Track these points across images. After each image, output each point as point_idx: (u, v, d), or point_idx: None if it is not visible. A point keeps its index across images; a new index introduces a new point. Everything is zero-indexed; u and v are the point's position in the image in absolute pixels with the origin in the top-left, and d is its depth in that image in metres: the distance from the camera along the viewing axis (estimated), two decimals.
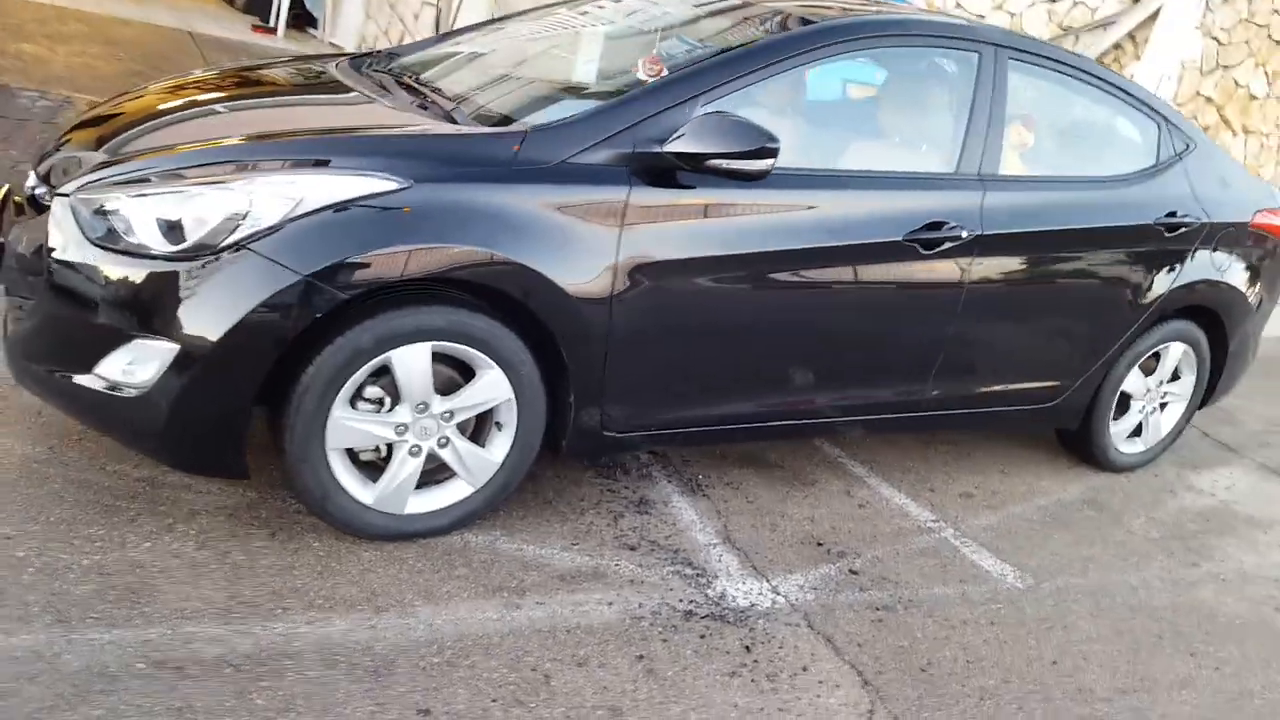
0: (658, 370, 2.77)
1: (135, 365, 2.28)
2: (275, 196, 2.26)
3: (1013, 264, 3.27)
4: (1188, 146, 3.79)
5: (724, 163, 2.52)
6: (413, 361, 2.43)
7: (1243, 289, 3.95)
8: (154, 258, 2.25)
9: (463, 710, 2.06)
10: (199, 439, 2.35)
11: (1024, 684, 2.55)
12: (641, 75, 3.28)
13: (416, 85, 3.04)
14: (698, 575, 2.71)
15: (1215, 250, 3.81)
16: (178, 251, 2.24)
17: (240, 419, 2.33)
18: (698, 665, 2.36)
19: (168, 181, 2.31)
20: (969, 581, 2.98)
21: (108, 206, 2.30)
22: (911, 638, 2.64)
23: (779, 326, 2.93)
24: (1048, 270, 3.40)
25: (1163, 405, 4.00)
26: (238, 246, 2.23)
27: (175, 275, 2.23)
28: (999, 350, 3.44)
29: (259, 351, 2.28)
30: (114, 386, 2.31)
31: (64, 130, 2.88)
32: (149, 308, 2.26)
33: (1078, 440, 3.90)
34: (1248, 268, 3.95)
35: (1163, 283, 3.66)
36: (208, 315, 2.23)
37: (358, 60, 3.59)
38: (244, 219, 2.24)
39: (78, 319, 2.33)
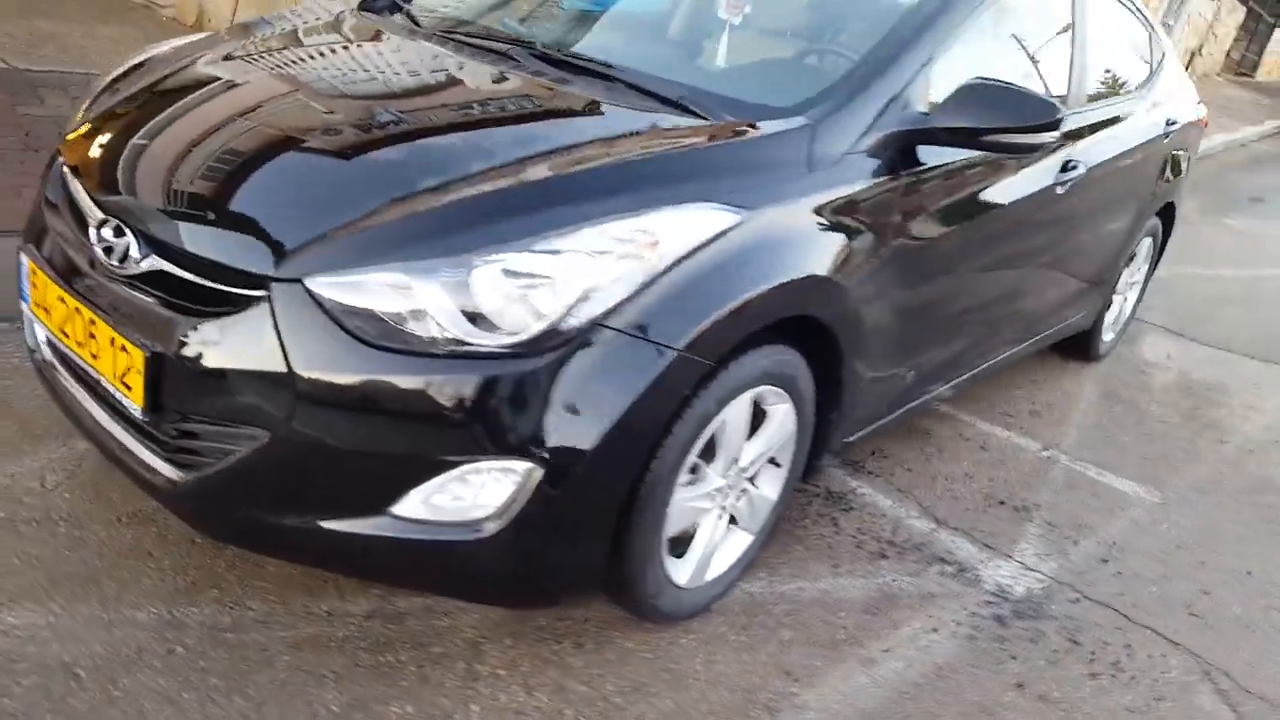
0: (892, 362, 2.54)
1: (468, 497, 1.70)
2: (627, 254, 1.73)
3: (1098, 192, 3.34)
4: (1164, 52, 4.03)
5: (1005, 137, 2.28)
6: (738, 416, 2.04)
7: (1187, 177, 4.37)
8: (481, 356, 1.65)
9: None
10: (558, 569, 1.83)
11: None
12: (724, 15, 2.91)
13: (546, 52, 2.40)
14: (960, 571, 2.60)
15: (1185, 150, 4.16)
16: (516, 344, 1.66)
17: (609, 533, 1.84)
18: (1061, 676, 2.29)
19: (485, 252, 1.68)
20: (1123, 508, 3.13)
21: (408, 294, 1.65)
22: (1155, 581, 2.74)
23: (981, 287, 2.82)
24: (1113, 190, 3.51)
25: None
26: (594, 326, 1.69)
27: (517, 374, 1.66)
28: (1075, 270, 3.54)
29: (634, 452, 1.78)
30: (430, 527, 1.72)
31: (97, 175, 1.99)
32: (488, 420, 1.67)
33: (1079, 339, 4.17)
34: (1191, 157, 4.36)
35: (1159, 184, 3.95)
36: (574, 419, 1.69)
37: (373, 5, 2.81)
38: (595, 289, 1.70)
39: (360, 447, 1.68)
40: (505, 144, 1.95)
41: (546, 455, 1.69)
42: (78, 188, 2.00)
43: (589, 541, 1.83)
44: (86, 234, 1.91)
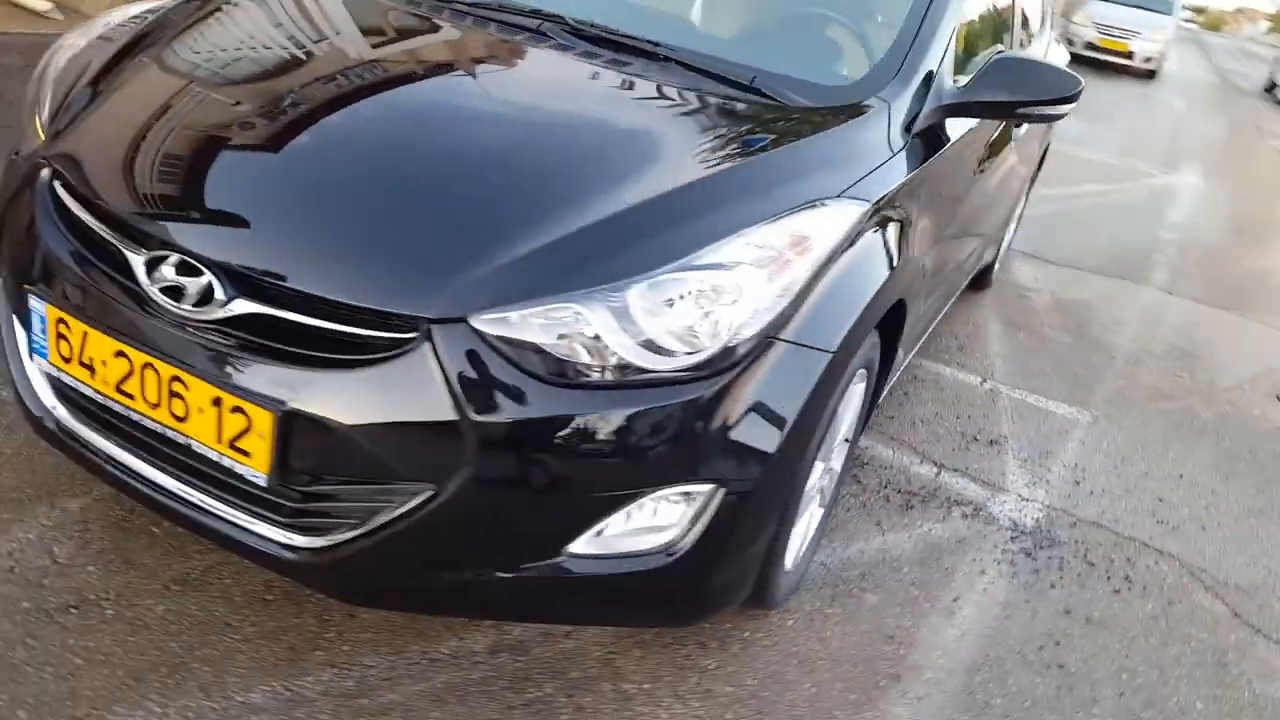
0: (919, 326, 2.65)
1: (647, 525, 1.63)
2: (783, 260, 1.68)
3: (1028, 140, 3.59)
4: (1045, 8, 4.32)
5: (1035, 109, 2.37)
6: (855, 398, 2.07)
7: None
8: (660, 383, 1.57)
9: None
10: (727, 581, 1.79)
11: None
12: None
13: (579, 28, 2.23)
14: (976, 511, 2.78)
15: None
16: (693, 366, 1.58)
17: (770, 537, 1.82)
18: (1093, 597, 2.51)
19: (649, 274, 1.58)
20: (1067, 430, 3.43)
21: (577, 325, 1.53)
22: (1121, 496, 3.03)
23: (966, 242, 2.99)
24: (1032, 136, 3.77)
25: None
26: (764, 340, 1.64)
27: (698, 398, 1.59)
28: (1005, 212, 3.83)
29: (800, 456, 1.76)
30: (609, 560, 1.64)
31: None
32: (673, 447, 1.59)
33: (982, 272, 4.46)
34: None
35: (1049, 130, 4.30)
36: (752, 435, 1.65)
37: None
38: (761, 300, 1.64)
39: (540, 490, 1.56)
40: (629, 152, 1.83)
41: (728, 475, 1.65)
42: (94, 210, 1.70)
43: (756, 548, 1.80)
44: (125, 271, 1.64)
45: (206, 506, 1.66)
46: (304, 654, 1.84)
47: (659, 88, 2.08)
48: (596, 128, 1.92)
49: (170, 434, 1.63)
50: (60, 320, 1.68)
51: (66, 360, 1.70)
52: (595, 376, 1.54)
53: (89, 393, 1.70)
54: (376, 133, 1.80)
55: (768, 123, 2.02)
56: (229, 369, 1.56)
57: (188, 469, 1.66)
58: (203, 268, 1.58)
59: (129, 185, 1.72)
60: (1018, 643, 2.28)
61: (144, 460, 1.71)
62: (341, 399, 1.52)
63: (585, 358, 1.54)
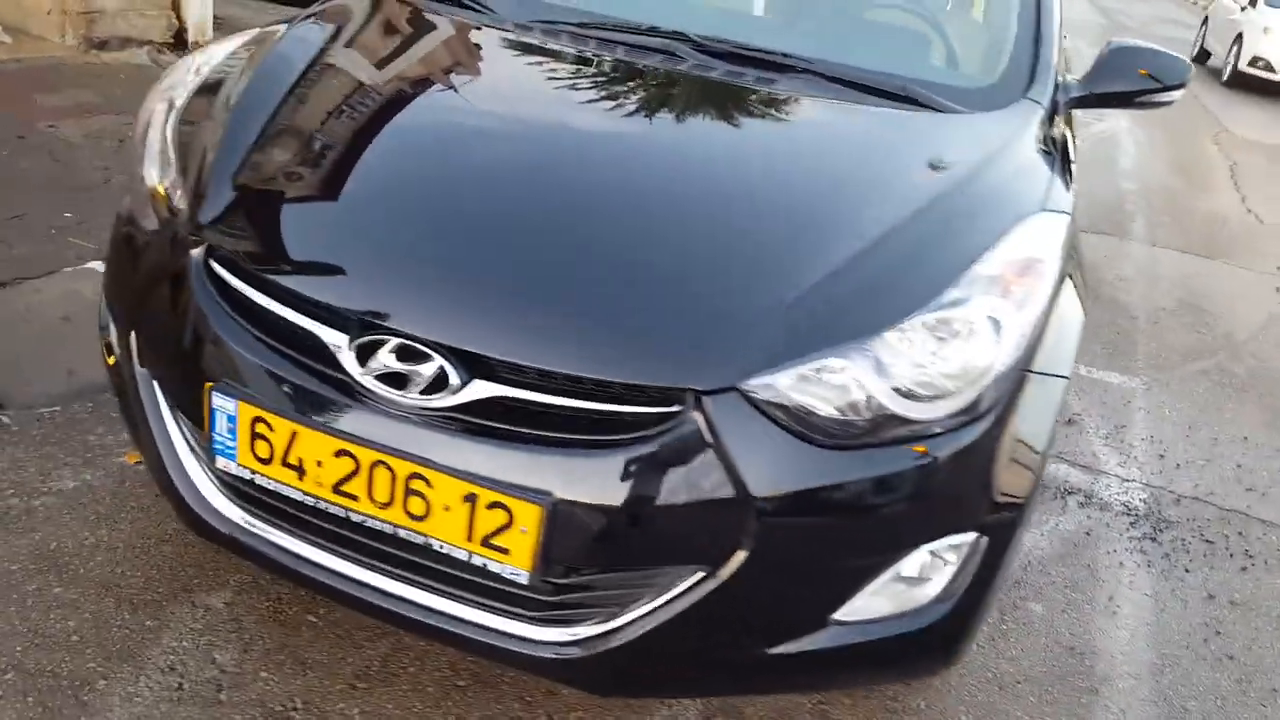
0: None
1: (914, 582, 1.55)
2: (1023, 287, 1.60)
3: None
4: None
5: (1152, 96, 2.33)
6: None
7: None
8: (929, 434, 1.48)
9: None
10: (979, 624, 1.72)
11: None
12: None
13: (705, 44, 2.09)
14: (1088, 499, 2.79)
15: None
16: (959, 412, 1.49)
17: None
18: (1226, 577, 2.55)
19: (904, 320, 1.48)
20: (1127, 400, 3.48)
21: (845, 380, 1.42)
22: (1204, 466, 3.09)
23: None
24: None
25: None
26: (1019, 373, 1.56)
27: (969, 444, 1.50)
28: None
29: (1037, 488, 1.70)
30: (878, 624, 1.55)
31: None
32: (945, 499, 1.52)
33: None
34: None
35: None
36: (1012, 476, 1.58)
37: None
38: (1011, 331, 1.56)
39: (815, 561, 1.47)
40: (841, 187, 1.74)
41: (991, 520, 1.58)
42: (273, 292, 1.52)
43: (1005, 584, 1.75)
44: (325, 358, 1.46)
45: (442, 609, 1.51)
46: None
47: (824, 108, 1.98)
48: (800, 165, 1.81)
49: (403, 534, 1.47)
50: (258, 419, 1.49)
51: (264, 461, 1.51)
52: (864, 433, 1.45)
53: (292, 494, 1.52)
54: (599, 191, 1.66)
55: (945, 136, 1.93)
56: (479, 461, 1.40)
57: (421, 570, 1.51)
58: (430, 351, 1.42)
59: (318, 261, 1.54)
60: (1183, 637, 2.29)
61: (358, 563, 1.55)
62: (611, 483, 1.39)
63: (854, 414, 1.44)
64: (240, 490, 1.60)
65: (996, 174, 1.82)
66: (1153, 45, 2.34)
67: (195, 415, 1.58)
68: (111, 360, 1.81)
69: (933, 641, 1.64)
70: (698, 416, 1.38)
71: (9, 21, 4.84)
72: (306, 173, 1.69)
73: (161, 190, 1.73)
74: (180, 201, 1.68)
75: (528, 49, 2.12)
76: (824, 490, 1.43)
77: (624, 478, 1.38)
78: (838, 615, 1.53)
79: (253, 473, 1.54)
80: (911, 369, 1.46)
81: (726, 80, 2.02)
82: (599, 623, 1.47)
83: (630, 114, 1.91)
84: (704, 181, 1.71)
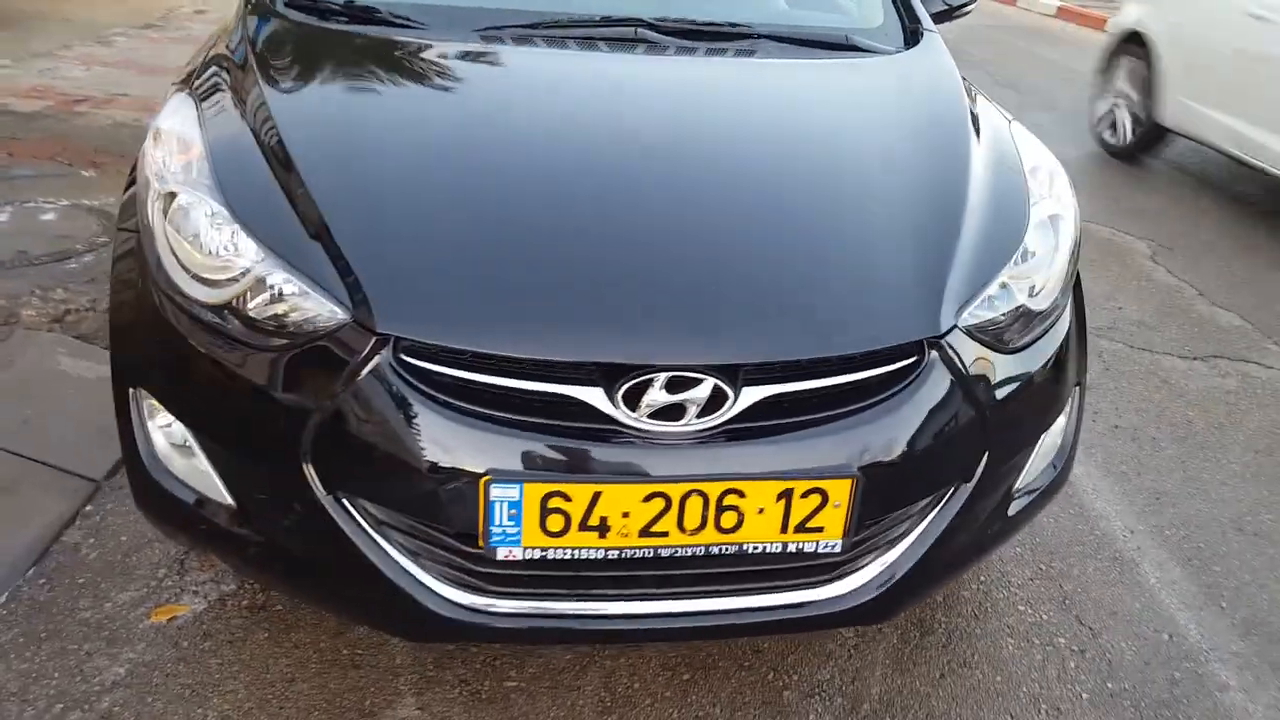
0: None
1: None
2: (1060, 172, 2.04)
3: None
4: None
5: (965, 8, 2.78)
6: None
7: None
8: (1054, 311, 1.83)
9: None
10: None
11: None
12: None
13: (661, 24, 2.21)
14: None
15: None
16: (1061, 292, 1.85)
17: None
18: None
19: None
20: None
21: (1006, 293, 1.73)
22: None
23: None
24: None
25: None
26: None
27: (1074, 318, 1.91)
28: None
29: None
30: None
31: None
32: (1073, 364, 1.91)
33: None
34: None
35: None
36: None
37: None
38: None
39: (1023, 442, 1.79)
40: (902, 139, 1.99)
41: (1083, 368, 1.99)
42: (498, 369, 1.46)
43: None
44: (587, 414, 1.46)
45: (748, 605, 1.60)
46: None
47: (812, 70, 2.25)
48: (853, 122, 2.06)
49: (709, 551, 1.53)
50: (552, 494, 1.44)
51: (557, 534, 1.47)
52: (1022, 331, 1.74)
53: (589, 555, 1.50)
54: (714, 185, 1.79)
55: (920, 77, 2.27)
56: (782, 459, 1.50)
57: (729, 579, 1.58)
58: (698, 376, 1.47)
59: (541, 323, 1.49)
60: None
61: (653, 598, 1.57)
62: (895, 438, 1.56)
63: (1015, 319, 1.73)
64: (494, 580, 1.53)
65: (966, 100, 2.16)
66: None
67: (429, 520, 1.49)
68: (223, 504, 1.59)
69: (1064, 473, 1.99)
70: (937, 358, 1.60)
71: None
72: (464, 239, 1.59)
73: (238, 301, 1.53)
74: (301, 306, 1.50)
75: (514, 56, 2.11)
76: (1022, 384, 1.71)
77: (902, 430, 1.56)
78: (1016, 486, 1.83)
79: (543, 550, 1.49)
80: (1029, 273, 1.79)
81: (716, 59, 2.15)
82: (883, 559, 1.66)
83: (666, 102, 2.03)
84: (803, 164, 1.90)
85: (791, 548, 1.55)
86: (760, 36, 2.26)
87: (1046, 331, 1.78)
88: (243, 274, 1.54)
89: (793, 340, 1.53)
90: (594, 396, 1.45)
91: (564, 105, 1.97)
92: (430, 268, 1.55)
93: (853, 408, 1.54)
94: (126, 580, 2.02)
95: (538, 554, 1.49)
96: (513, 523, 1.46)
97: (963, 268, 1.69)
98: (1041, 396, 1.79)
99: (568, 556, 1.50)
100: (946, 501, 1.67)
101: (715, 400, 1.47)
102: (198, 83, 1.97)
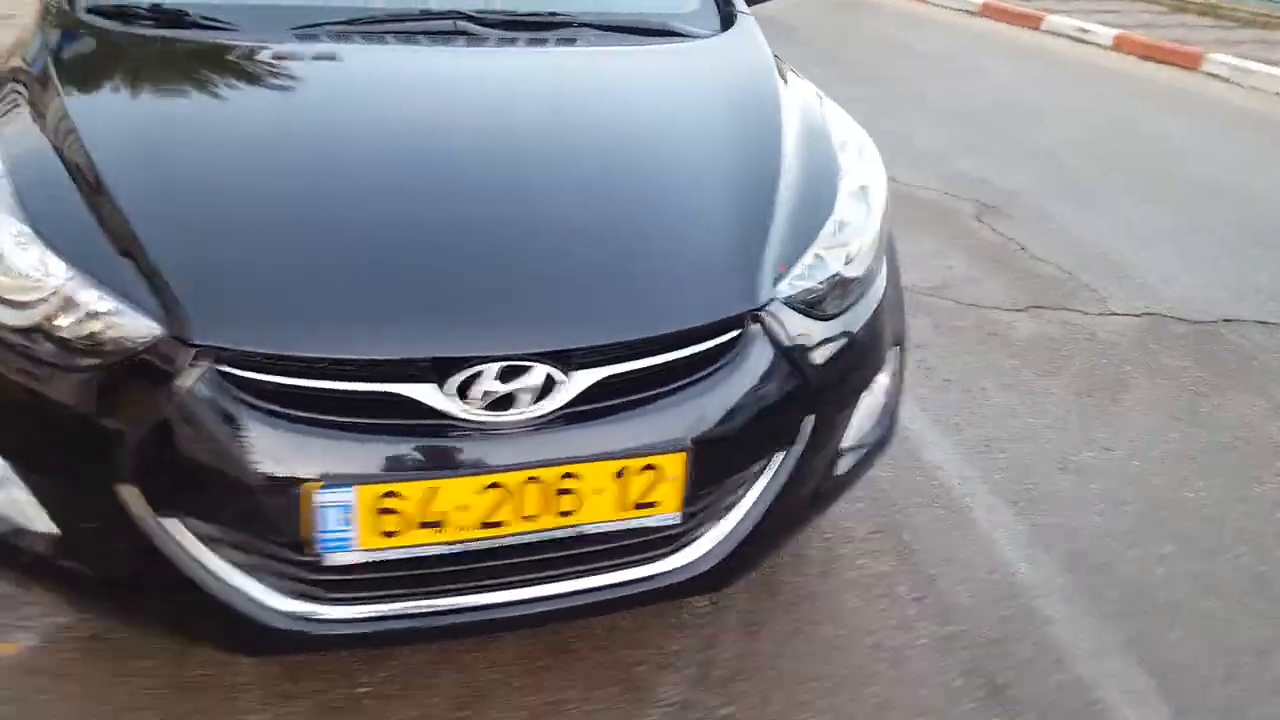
0: None
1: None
2: (867, 144, 2.11)
3: None
4: None
5: None
6: None
7: None
8: (871, 279, 1.93)
9: None
10: None
11: None
12: None
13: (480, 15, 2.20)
14: None
15: None
16: (875, 257, 1.94)
17: None
18: None
19: None
20: None
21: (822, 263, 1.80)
22: None
23: None
24: None
25: None
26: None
27: (889, 286, 1.99)
28: None
29: None
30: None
31: None
32: (888, 328, 1.98)
33: None
34: None
35: None
36: (900, 296, 2.08)
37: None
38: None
39: (838, 406, 1.86)
40: (716, 120, 2.03)
41: (901, 330, 2.08)
42: (328, 376, 1.44)
43: None
44: (418, 411, 1.45)
45: (592, 585, 1.62)
46: None
47: (629, 56, 2.27)
48: (669, 107, 2.09)
49: (546, 536, 1.54)
50: (387, 494, 1.42)
51: (393, 534, 1.45)
52: (838, 298, 1.81)
53: (427, 552, 1.49)
54: (539, 174, 1.79)
55: (734, 59, 2.31)
56: (621, 438, 1.53)
57: (570, 561, 1.60)
58: (528, 364, 1.48)
59: (366, 322, 1.47)
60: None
61: (494, 588, 1.58)
62: (718, 409, 1.61)
63: (831, 286, 1.80)
64: (332, 586, 1.51)
65: (778, 79, 2.22)
66: None
67: (268, 527, 1.45)
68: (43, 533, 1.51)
69: (888, 433, 2.09)
70: (758, 330, 1.65)
71: None
72: (282, 243, 1.55)
73: (47, 321, 1.45)
74: (112, 324, 1.43)
75: (329, 54, 2.06)
76: (841, 348, 1.78)
77: (729, 400, 1.61)
78: (843, 444, 1.93)
79: (376, 553, 1.47)
80: (844, 242, 1.86)
81: (538, 49, 2.16)
82: (721, 527, 1.71)
83: (486, 94, 2.01)
84: (622, 148, 1.92)
85: (632, 524, 1.58)
86: (579, 25, 2.28)
87: (861, 296, 1.86)
88: (52, 294, 1.46)
89: (619, 322, 1.56)
90: (425, 392, 1.44)
91: (379, 102, 1.93)
92: (245, 275, 1.50)
93: (681, 383, 1.58)
94: None
95: (374, 556, 1.47)
96: (345, 527, 1.44)
97: (778, 241, 1.75)
98: (861, 358, 1.87)
99: (406, 555, 1.49)
100: (777, 466, 1.74)
101: (548, 387, 1.48)
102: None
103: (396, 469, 1.44)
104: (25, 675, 1.80)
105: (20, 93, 1.86)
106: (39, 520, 1.52)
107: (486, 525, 1.50)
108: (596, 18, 2.31)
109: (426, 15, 2.19)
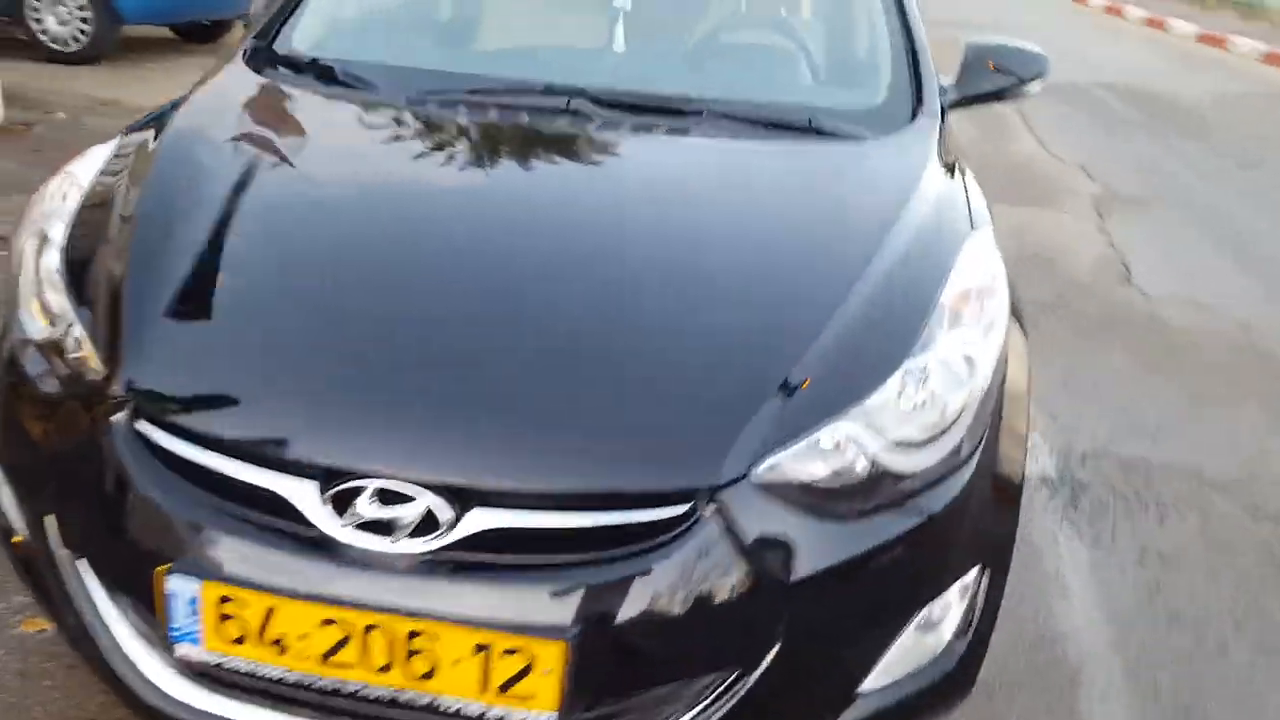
0: None
1: (930, 629, 1.54)
2: (984, 316, 1.63)
3: None
4: None
5: (1019, 89, 2.39)
6: None
7: None
8: (930, 482, 1.47)
9: None
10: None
11: None
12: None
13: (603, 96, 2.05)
14: None
15: None
16: (948, 456, 1.49)
17: None
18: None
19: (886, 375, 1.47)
20: None
21: (844, 447, 1.40)
22: None
23: None
24: None
25: None
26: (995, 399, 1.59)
27: (964, 488, 1.50)
28: None
29: None
30: (906, 682, 1.54)
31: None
32: (950, 548, 1.53)
33: None
34: None
35: None
36: (1001, 506, 1.62)
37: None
38: (980, 363, 1.57)
39: (845, 634, 1.45)
40: (793, 251, 1.71)
41: (989, 551, 1.60)
42: (223, 448, 1.36)
43: None
44: (285, 513, 1.33)
45: None
46: None
47: (745, 157, 1.99)
48: (749, 229, 1.77)
49: (405, 697, 1.35)
50: (224, 598, 1.33)
51: (238, 642, 1.35)
52: (868, 497, 1.42)
53: (275, 674, 1.37)
54: (548, 285, 1.58)
55: (868, 170, 1.95)
56: (486, 604, 1.30)
57: None
58: (413, 492, 1.30)
59: (269, 409, 1.40)
60: (1131, 604, 2.40)
61: None
62: (633, 601, 1.31)
63: (857, 480, 1.42)
64: (211, 675, 1.43)
65: (927, 202, 1.83)
66: (1008, 41, 2.43)
67: (144, 601, 1.40)
68: (17, 540, 1.59)
69: (954, 679, 1.63)
70: (712, 514, 1.33)
71: None
72: (236, 307, 1.53)
73: (54, 343, 1.53)
74: (84, 357, 1.48)
75: (427, 129, 2.04)
76: (845, 564, 1.39)
77: (646, 592, 1.31)
78: (864, 688, 1.50)
79: (223, 656, 1.37)
80: (900, 423, 1.45)
81: (641, 137, 1.97)
82: None
83: (557, 190, 1.85)
84: (657, 261, 1.66)
85: (497, 713, 1.33)
86: (708, 114, 2.03)
87: (912, 497, 1.44)
88: (59, 319, 1.57)
89: (528, 465, 1.33)
90: (302, 495, 1.32)
91: (414, 185, 1.85)
92: (189, 337, 1.50)
93: (586, 558, 1.31)
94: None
95: (217, 660, 1.38)
96: (192, 620, 1.36)
97: (779, 406, 1.40)
98: (892, 578, 1.45)
99: (251, 670, 1.37)
100: (720, 692, 1.38)
101: (431, 523, 1.30)
102: (135, 126, 2.04)
103: (246, 572, 1.33)
104: (44, 658, 1.94)
105: (157, 125, 1.99)
106: (17, 523, 1.61)
107: (330, 663, 1.34)
108: (732, 107, 2.06)
109: (549, 90, 2.09)
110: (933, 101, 2.16)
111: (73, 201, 1.73)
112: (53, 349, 1.53)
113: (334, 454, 1.32)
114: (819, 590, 1.38)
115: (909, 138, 2.04)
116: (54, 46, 6.64)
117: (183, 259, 1.59)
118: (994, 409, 1.57)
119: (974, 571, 1.56)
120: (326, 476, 1.32)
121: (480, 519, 1.30)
